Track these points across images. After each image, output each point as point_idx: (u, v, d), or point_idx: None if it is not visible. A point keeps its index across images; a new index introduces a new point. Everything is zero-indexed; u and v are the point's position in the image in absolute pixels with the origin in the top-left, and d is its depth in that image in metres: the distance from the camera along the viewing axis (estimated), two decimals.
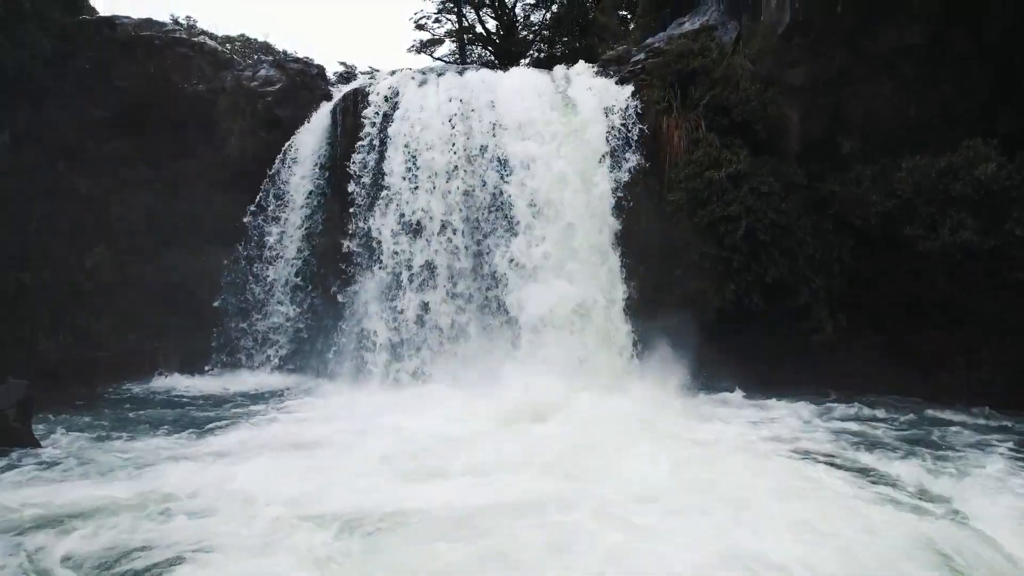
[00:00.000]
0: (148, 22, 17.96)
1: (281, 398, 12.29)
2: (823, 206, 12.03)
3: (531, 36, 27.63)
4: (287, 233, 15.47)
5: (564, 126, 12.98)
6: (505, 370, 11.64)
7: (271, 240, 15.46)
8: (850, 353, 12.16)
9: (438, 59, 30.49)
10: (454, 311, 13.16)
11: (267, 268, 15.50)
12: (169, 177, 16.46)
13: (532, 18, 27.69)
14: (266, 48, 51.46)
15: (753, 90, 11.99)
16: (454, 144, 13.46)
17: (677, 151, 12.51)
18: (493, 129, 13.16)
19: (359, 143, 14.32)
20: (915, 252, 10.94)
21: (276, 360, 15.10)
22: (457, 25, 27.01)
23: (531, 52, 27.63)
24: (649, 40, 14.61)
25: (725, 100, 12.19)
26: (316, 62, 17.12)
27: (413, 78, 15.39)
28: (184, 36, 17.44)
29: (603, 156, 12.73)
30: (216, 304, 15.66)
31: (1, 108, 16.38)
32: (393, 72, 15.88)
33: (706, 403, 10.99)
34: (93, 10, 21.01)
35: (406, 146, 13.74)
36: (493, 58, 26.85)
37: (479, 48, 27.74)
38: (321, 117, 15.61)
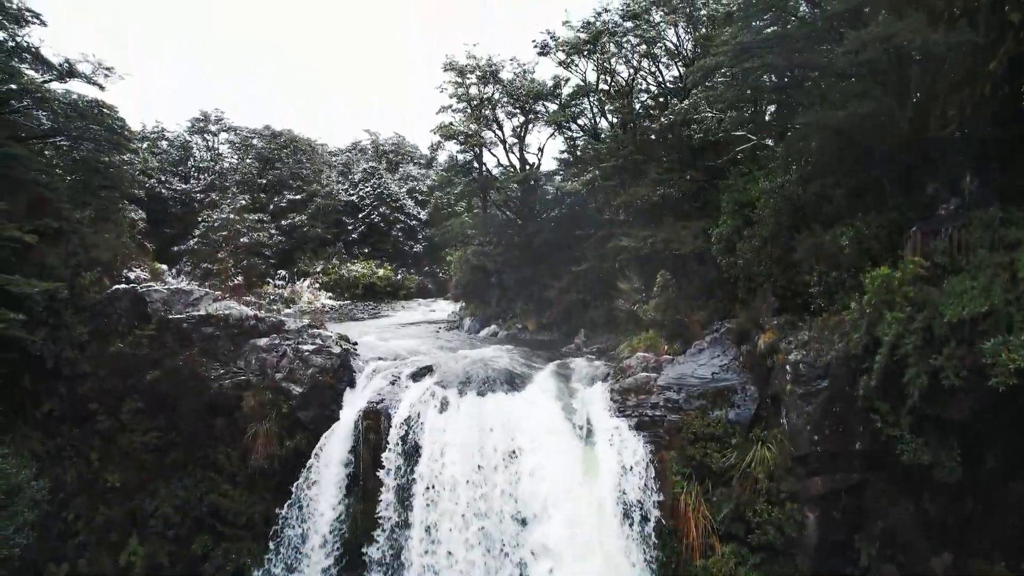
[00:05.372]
0: (178, 292, 18.43)
1: None
2: None
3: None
4: (315, 539, 15.81)
5: (588, 505, 13.20)
6: None
7: (301, 547, 15.82)
8: None
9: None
10: None
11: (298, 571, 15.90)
12: (199, 465, 16.99)
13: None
14: (291, 141, 51.63)
15: (772, 511, 12.00)
16: (478, 508, 13.81)
17: (694, 542, 12.61)
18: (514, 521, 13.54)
19: (382, 489, 14.66)
20: None
21: None
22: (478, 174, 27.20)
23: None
24: (671, 378, 14.61)
25: (743, 513, 12.23)
26: (337, 350, 17.27)
27: (433, 394, 15.64)
28: (209, 312, 17.81)
29: (627, 539, 12.97)
30: None
31: (38, 396, 17.12)
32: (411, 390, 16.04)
33: None
34: (128, 255, 21.63)
35: (429, 502, 14.12)
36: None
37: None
38: (344, 428, 15.89)
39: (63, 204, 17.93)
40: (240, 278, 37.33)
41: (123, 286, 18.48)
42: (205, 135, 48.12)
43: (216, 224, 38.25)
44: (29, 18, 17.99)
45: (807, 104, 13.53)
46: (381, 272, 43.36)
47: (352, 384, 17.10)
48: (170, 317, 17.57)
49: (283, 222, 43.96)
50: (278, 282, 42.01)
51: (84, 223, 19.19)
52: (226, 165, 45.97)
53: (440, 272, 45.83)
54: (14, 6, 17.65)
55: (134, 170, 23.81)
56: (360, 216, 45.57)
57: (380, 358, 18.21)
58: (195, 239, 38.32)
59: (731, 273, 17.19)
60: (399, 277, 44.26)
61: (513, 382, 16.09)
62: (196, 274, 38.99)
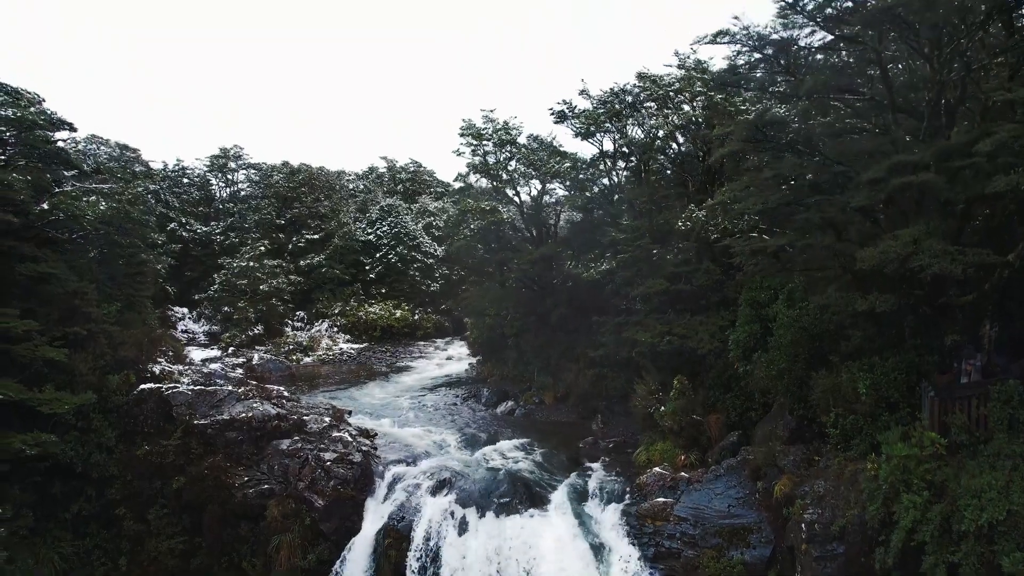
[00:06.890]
0: (202, 394, 18.83)
1: None
2: None
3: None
4: None
5: None
6: None
7: None
8: None
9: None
10: None
11: None
12: (223, 569, 17.35)
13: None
14: (309, 177, 51.59)
15: None
16: None
17: None
18: None
19: None
20: None
21: None
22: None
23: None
24: (688, 508, 14.75)
25: None
26: (358, 458, 17.59)
27: (452, 514, 15.90)
28: (233, 415, 18.21)
29: None
30: None
31: (68, 498, 17.58)
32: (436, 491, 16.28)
33: None
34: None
35: None
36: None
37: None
38: (365, 543, 16.20)
39: (92, 308, 18.40)
40: (260, 327, 37.88)
41: (149, 386, 18.92)
42: (225, 171, 48.75)
43: (236, 271, 38.80)
44: (60, 125, 18.51)
45: (827, 279, 13.74)
46: (399, 313, 43.72)
47: (372, 490, 17.41)
48: (195, 423, 17.98)
49: (301, 262, 44.44)
50: (296, 324, 42.54)
51: (111, 317, 19.68)
52: (245, 206, 46.50)
53: (456, 311, 46.10)
54: (47, 115, 18.18)
55: (158, 258, 24.19)
56: (377, 256, 45.93)
57: (400, 460, 18.47)
58: (215, 286, 38.90)
59: (747, 382, 17.28)
60: (416, 317, 44.56)
61: (531, 497, 16.30)
62: (216, 319, 39.67)
